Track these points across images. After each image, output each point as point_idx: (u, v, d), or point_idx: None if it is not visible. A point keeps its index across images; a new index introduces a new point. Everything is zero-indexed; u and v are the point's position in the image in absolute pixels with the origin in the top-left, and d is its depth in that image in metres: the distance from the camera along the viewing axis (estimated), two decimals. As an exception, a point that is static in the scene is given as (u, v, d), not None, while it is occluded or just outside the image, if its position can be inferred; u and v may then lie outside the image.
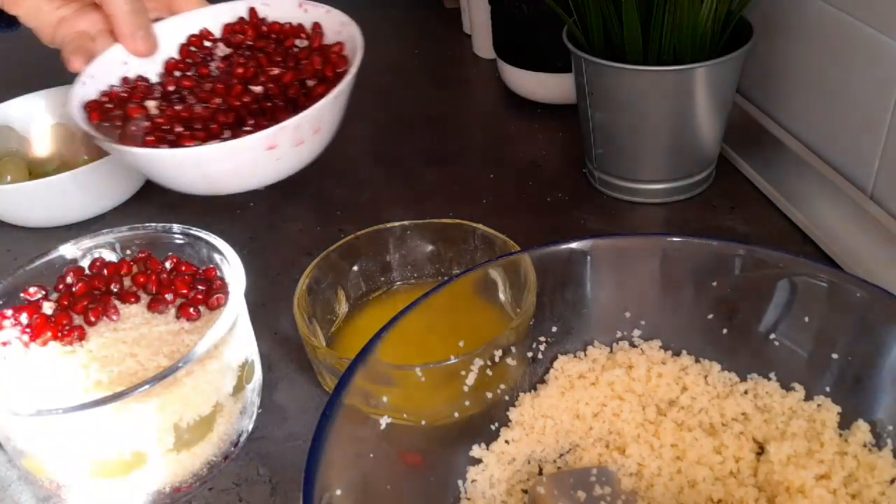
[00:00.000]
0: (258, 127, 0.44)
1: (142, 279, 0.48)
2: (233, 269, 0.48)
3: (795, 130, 0.63)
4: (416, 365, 0.41)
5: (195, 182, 0.47)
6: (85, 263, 0.50)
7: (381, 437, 0.38)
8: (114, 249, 0.51)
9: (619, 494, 0.39)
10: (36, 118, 0.77)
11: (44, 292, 0.48)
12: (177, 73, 0.53)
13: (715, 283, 0.44)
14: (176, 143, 0.46)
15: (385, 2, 1.12)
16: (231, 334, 0.44)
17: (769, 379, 0.43)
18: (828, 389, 0.41)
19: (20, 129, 0.76)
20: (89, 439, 0.41)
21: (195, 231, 0.50)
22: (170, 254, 0.50)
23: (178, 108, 0.49)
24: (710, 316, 0.44)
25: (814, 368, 0.42)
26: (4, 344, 0.45)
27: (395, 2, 1.12)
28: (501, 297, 0.49)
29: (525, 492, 0.42)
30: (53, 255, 0.50)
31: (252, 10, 0.55)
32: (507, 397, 0.44)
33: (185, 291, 0.47)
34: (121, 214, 0.71)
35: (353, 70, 0.48)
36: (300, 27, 0.54)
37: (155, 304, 0.47)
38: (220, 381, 0.44)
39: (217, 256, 0.49)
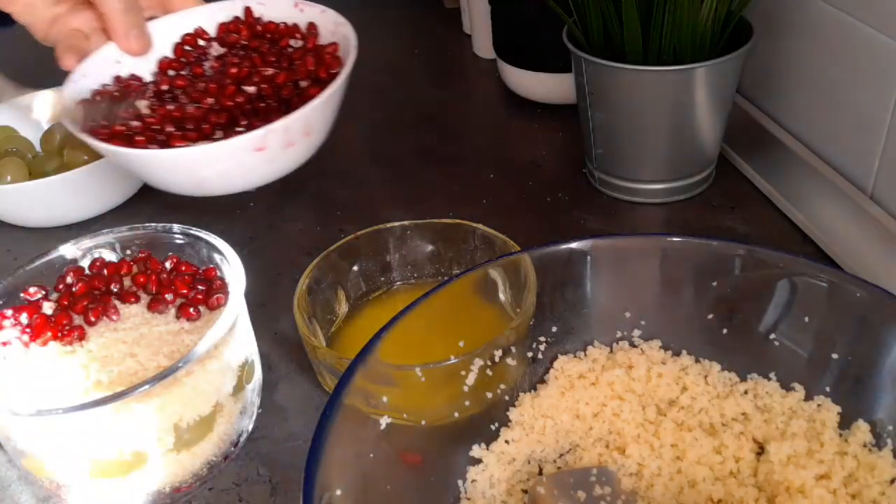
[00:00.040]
0: (251, 128, 0.44)
1: (142, 279, 0.48)
2: (233, 269, 0.48)
3: (795, 130, 0.63)
4: (416, 365, 0.41)
5: (184, 183, 0.47)
6: (85, 263, 0.50)
7: (381, 437, 0.38)
8: (114, 249, 0.51)
9: (619, 494, 0.39)
10: (36, 118, 0.77)
11: (44, 292, 0.48)
12: (171, 73, 0.52)
13: (715, 283, 0.44)
14: (166, 143, 0.45)
15: (385, 2, 1.12)
16: (231, 334, 0.44)
17: (769, 379, 0.43)
18: (828, 389, 0.41)
19: (20, 129, 0.76)
20: (89, 439, 0.41)
21: (195, 231, 0.50)
22: (170, 254, 0.50)
23: (170, 107, 0.48)
24: (710, 316, 0.44)
25: (814, 368, 0.42)
26: (4, 344, 0.45)
27: (395, 2, 1.12)
28: (501, 297, 0.49)
29: (525, 492, 0.42)
30: (53, 255, 0.50)
31: (247, 10, 0.54)
32: (507, 397, 0.44)
33: (185, 291, 0.47)
34: (121, 214, 0.71)
35: (344, 72, 0.47)
36: (295, 27, 0.53)
37: (155, 304, 0.47)
38: (220, 381, 0.44)
39: (217, 256, 0.49)
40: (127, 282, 0.49)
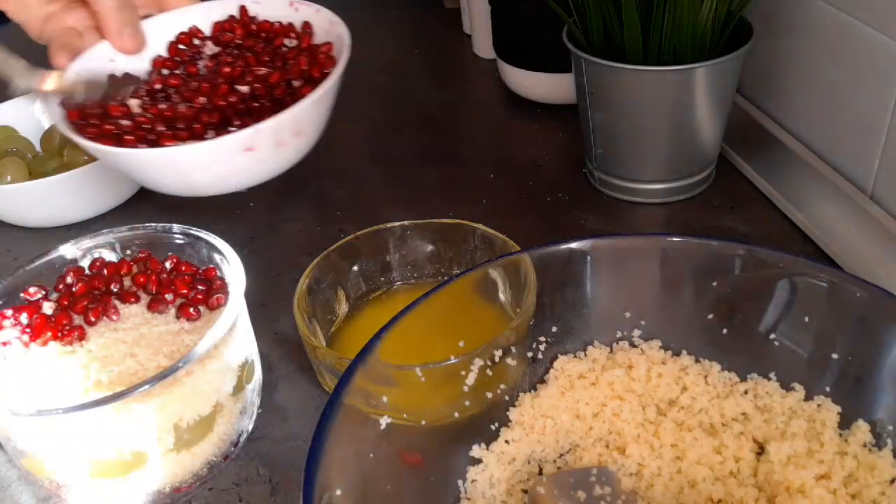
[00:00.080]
0: (243, 128, 0.43)
1: (142, 279, 0.48)
2: (233, 269, 0.48)
3: (795, 130, 0.63)
4: (416, 365, 0.41)
5: (174, 183, 0.47)
6: (85, 263, 0.50)
7: (381, 437, 0.38)
8: (114, 249, 0.51)
9: (619, 494, 0.39)
10: (36, 118, 0.77)
11: (44, 292, 0.48)
12: (164, 71, 0.52)
13: (715, 283, 0.44)
14: (156, 142, 0.45)
15: (385, 2, 1.12)
16: (231, 334, 0.44)
17: (769, 379, 0.43)
18: (828, 389, 0.41)
19: (20, 129, 0.76)
20: (89, 439, 0.41)
21: (195, 231, 0.50)
22: (170, 254, 0.50)
23: (161, 107, 0.48)
24: (710, 316, 0.44)
25: (814, 368, 0.42)
26: (4, 344, 0.45)
27: (395, 2, 1.12)
28: (501, 297, 0.49)
29: (525, 492, 0.42)
30: (53, 255, 0.50)
31: (243, 9, 0.54)
32: (507, 397, 0.44)
33: (185, 291, 0.47)
34: (121, 214, 0.71)
35: (336, 72, 0.47)
36: (290, 26, 0.53)
37: (155, 304, 0.47)
38: (220, 381, 0.44)
39: (217, 256, 0.49)
40: (127, 282, 0.49)
